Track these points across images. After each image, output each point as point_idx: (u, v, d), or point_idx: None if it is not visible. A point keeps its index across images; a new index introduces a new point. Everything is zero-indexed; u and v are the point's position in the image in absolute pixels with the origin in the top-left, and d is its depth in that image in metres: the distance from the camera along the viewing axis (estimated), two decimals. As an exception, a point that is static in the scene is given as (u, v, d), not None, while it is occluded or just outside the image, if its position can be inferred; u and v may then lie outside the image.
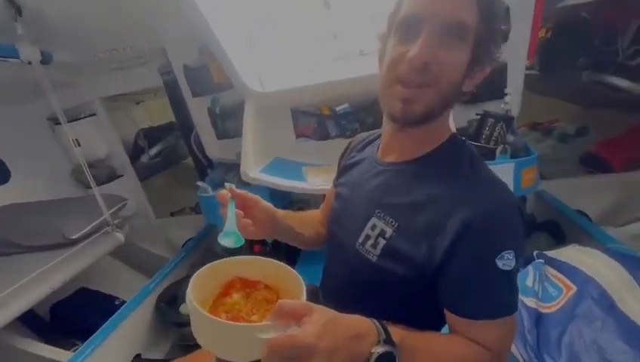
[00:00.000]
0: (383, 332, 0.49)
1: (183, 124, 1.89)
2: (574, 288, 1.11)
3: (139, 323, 1.36)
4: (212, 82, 1.64)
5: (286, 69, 1.59)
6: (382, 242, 0.65)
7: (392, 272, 0.64)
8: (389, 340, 0.49)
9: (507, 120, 1.28)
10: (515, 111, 1.42)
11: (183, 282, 1.70)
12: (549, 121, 2.91)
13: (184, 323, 1.42)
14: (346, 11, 1.43)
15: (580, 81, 2.13)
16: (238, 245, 0.62)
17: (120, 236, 1.59)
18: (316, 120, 1.63)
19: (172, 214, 2.59)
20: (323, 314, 0.45)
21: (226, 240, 0.61)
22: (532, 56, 1.49)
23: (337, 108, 1.58)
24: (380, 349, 0.47)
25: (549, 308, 1.10)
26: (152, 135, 2.48)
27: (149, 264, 2.05)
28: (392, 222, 0.65)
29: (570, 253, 1.26)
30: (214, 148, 1.83)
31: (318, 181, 1.44)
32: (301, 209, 1.80)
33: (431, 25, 0.55)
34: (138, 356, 1.29)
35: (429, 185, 0.64)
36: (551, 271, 1.23)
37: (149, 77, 1.87)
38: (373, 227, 0.67)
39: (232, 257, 0.58)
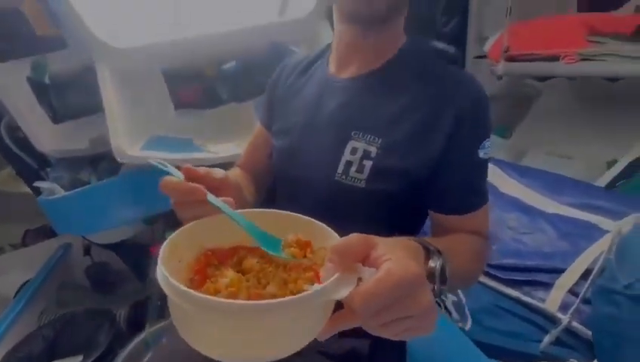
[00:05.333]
0: (427, 244, 0.45)
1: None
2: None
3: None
4: (31, 35, 1.12)
5: (149, 19, 1.25)
6: (368, 164, 0.61)
7: (383, 191, 0.61)
8: (437, 250, 0.45)
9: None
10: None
11: (34, 338, 1.15)
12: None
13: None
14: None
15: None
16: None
17: None
18: (200, 83, 1.34)
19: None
20: (385, 241, 0.37)
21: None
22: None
23: (224, 67, 1.34)
24: (438, 262, 0.44)
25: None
26: None
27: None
28: (374, 139, 0.61)
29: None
30: (50, 138, 1.28)
31: (225, 148, 1.19)
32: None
33: None
34: None
35: (404, 93, 0.62)
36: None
37: None
38: (354, 151, 0.62)
39: (198, 220, 0.44)
